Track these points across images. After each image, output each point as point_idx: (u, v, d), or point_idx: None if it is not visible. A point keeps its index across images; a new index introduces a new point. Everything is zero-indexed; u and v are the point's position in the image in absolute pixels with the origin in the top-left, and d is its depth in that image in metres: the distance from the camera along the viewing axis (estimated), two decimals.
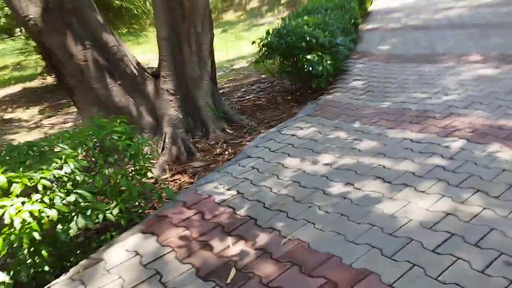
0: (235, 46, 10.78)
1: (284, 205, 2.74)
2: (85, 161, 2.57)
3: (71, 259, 2.53)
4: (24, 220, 2.08)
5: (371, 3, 11.77)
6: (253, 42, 5.44)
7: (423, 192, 2.65)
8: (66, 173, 2.37)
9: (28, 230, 2.11)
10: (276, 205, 2.76)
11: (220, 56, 9.56)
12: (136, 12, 9.64)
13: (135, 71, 4.16)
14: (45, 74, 9.74)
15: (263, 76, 6.75)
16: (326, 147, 3.54)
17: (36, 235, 2.13)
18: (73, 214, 2.37)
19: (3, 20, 8.88)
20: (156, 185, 3.22)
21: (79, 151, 2.59)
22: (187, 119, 4.31)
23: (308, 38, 4.92)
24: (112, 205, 2.62)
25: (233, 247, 2.39)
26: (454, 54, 5.84)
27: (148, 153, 3.13)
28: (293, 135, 3.89)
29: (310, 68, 4.83)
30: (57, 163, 2.39)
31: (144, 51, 11.45)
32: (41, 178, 2.24)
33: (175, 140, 4.02)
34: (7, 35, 12.32)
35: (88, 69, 3.88)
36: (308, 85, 5.13)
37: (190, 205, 2.91)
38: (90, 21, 3.89)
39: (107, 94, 4.00)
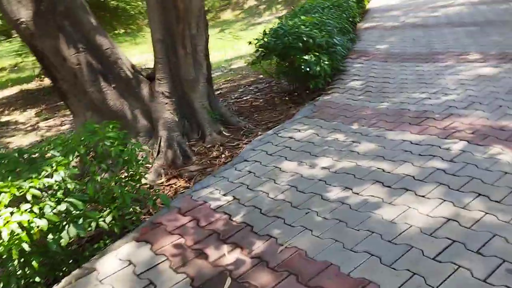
0: (233, 46, 10.72)
1: (281, 211, 2.68)
2: (77, 169, 2.51)
3: (64, 269, 2.47)
4: (12, 231, 2.03)
5: (369, 1, 11.71)
6: (250, 43, 5.38)
7: (423, 196, 2.59)
8: (56, 181, 2.31)
9: (17, 241, 2.06)
10: (273, 211, 2.70)
11: (218, 56, 9.49)
12: (132, 12, 9.59)
13: (129, 74, 4.09)
14: (43, 76, 9.65)
15: (261, 76, 6.68)
16: (324, 150, 3.47)
17: (26, 246, 2.07)
18: (65, 223, 2.32)
19: None
20: (151, 191, 3.16)
21: (71, 158, 2.54)
22: (182, 122, 4.24)
23: (305, 39, 4.85)
24: (105, 212, 2.57)
25: (228, 256, 2.33)
26: (453, 52, 5.77)
27: (142, 158, 3.07)
28: (291, 137, 3.82)
29: (308, 69, 4.76)
30: (47, 171, 2.34)
31: (142, 51, 11.38)
32: (30, 187, 2.18)
33: (170, 143, 3.95)
34: (4, 36, 12.28)
35: (81, 73, 3.82)
36: (306, 86, 5.05)
37: (185, 211, 2.85)
38: (83, 24, 3.83)
39: (101, 97, 3.93)
